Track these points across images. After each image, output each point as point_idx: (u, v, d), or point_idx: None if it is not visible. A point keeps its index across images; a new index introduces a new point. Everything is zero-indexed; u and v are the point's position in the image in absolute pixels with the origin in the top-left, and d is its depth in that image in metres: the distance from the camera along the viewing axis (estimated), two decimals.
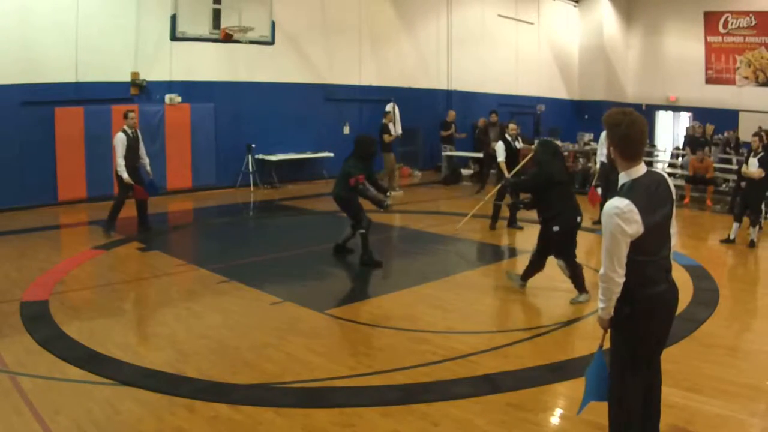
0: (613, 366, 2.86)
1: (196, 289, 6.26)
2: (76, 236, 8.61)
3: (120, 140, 8.19)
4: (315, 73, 14.02)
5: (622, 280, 2.63)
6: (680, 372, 4.03)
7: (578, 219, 5.77)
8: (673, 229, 2.78)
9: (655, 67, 19.95)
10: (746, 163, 8.56)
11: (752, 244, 8.24)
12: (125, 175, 8.20)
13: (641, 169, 2.66)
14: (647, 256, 2.64)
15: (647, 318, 2.71)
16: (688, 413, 3.59)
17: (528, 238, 8.96)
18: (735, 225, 8.47)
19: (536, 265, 6.04)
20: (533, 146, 8.48)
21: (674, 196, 2.77)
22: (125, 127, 8.31)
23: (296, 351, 4.60)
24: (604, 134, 9.52)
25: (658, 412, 2.97)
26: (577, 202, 5.86)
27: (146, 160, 8.64)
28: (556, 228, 5.70)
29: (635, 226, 2.53)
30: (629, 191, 2.59)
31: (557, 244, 5.79)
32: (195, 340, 4.79)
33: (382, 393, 3.90)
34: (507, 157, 8.98)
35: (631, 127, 2.61)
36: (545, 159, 5.81)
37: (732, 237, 8.42)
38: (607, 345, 2.91)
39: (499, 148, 9.09)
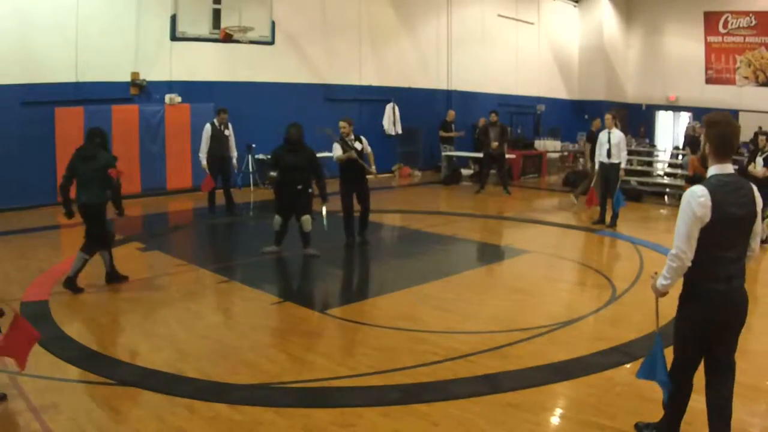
0: (673, 343, 3.14)
1: (196, 289, 6.26)
2: (76, 236, 8.55)
3: (205, 130, 9.72)
4: (315, 73, 14.02)
5: (689, 263, 2.87)
6: None
7: None
8: (754, 243, 3.04)
9: (655, 67, 19.95)
10: (753, 162, 8.53)
11: None
12: (203, 162, 9.65)
13: (727, 168, 2.94)
14: (713, 251, 2.87)
15: (698, 310, 2.96)
16: (688, 413, 3.58)
17: (527, 238, 8.97)
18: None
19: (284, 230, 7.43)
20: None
21: (758, 209, 2.96)
22: (214, 120, 9.82)
23: (296, 351, 4.61)
24: (602, 134, 9.55)
25: (726, 417, 3.05)
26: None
27: (234, 154, 10.09)
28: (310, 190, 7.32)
29: (704, 211, 2.80)
30: (709, 182, 2.89)
31: (309, 205, 7.33)
32: (195, 340, 4.79)
33: (382, 393, 3.90)
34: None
35: (727, 128, 2.93)
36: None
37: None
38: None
39: (335, 149, 7.92)
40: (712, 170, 2.95)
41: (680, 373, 3.12)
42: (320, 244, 7.94)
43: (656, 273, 3.11)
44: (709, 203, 2.81)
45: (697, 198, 2.83)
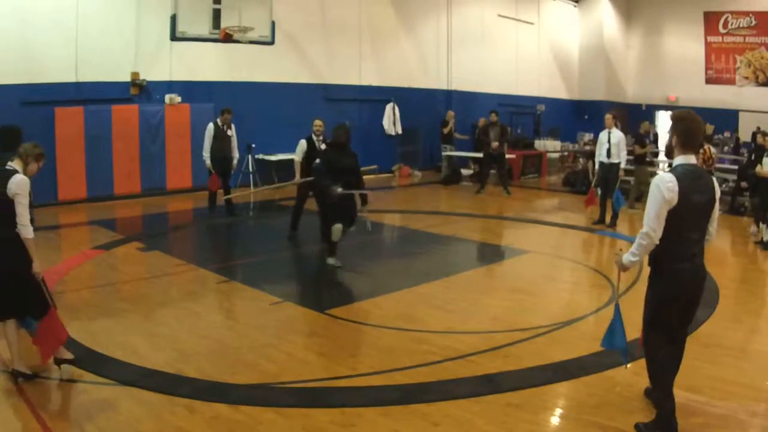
0: (643, 323, 3.47)
1: (196, 289, 6.26)
2: (76, 236, 8.60)
3: (207, 130, 9.66)
4: (315, 73, 14.01)
5: (657, 240, 3.18)
6: (680, 372, 4.01)
7: None
8: (712, 228, 3.37)
9: (655, 67, 19.94)
10: (759, 162, 8.51)
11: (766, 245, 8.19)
12: (207, 162, 9.61)
13: (692, 159, 3.27)
14: (678, 233, 3.19)
15: (668, 287, 3.29)
16: (688, 413, 3.59)
17: (527, 238, 8.97)
18: (765, 226, 8.36)
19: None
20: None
21: (717, 196, 3.31)
22: (217, 120, 9.79)
23: (296, 351, 4.61)
24: (602, 134, 9.56)
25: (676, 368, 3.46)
26: None
27: (236, 155, 9.94)
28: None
29: (672, 195, 3.12)
30: (675, 170, 3.22)
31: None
32: (195, 340, 4.79)
33: (382, 393, 3.90)
34: (307, 159, 7.85)
35: (693, 123, 3.27)
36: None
37: (766, 239, 8.27)
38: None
39: (300, 146, 8.06)
40: (678, 160, 3.28)
41: (654, 349, 3.39)
42: (317, 245, 7.96)
43: (621, 250, 3.46)
44: (677, 188, 3.12)
45: (666, 183, 3.14)
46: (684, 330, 3.51)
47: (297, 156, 8.08)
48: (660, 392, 3.37)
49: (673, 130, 3.31)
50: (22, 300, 3.91)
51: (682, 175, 3.18)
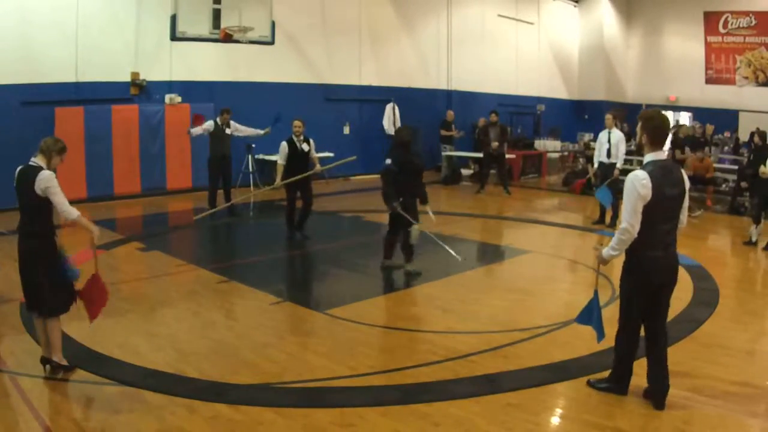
0: (619, 307, 3.76)
1: (196, 289, 6.25)
2: (76, 236, 8.57)
3: (207, 123, 9.88)
4: (315, 73, 14.01)
5: (636, 234, 3.42)
6: (680, 372, 4.03)
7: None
8: (683, 216, 3.59)
9: (655, 67, 19.93)
10: (763, 163, 8.49)
11: None
12: (195, 133, 9.83)
13: (662, 155, 3.53)
14: (652, 224, 3.41)
15: (643, 274, 3.54)
16: (688, 413, 3.59)
17: (527, 238, 8.97)
18: (756, 227, 8.33)
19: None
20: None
21: (687, 188, 3.54)
22: (217, 119, 9.95)
23: (296, 351, 4.61)
24: (602, 134, 9.56)
25: (661, 373, 3.66)
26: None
27: (259, 131, 10.24)
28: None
29: (646, 191, 3.36)
30: (647, 167, 3.46)
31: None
32: (195, 340, 4.79)
33: (382, 393, 3.90)
34: (290, 160, 8.03)
35: (663, 122, 3.56)
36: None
37: (754, 239, 8.26)
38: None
39: (282, 149, 8.07)
40: (649, 157, 3.51)
41: (627, 332, 3.71)
42: (317, 245, 7.97)
43: (601, 245, 3.78)
44: (650, 185, 3.36)
45: (639, 180, 3.38)
46: (662, 324, 3.65)
47: (280, 159, 8.11)
48: (622, 371, 3.77)
49: (643, 129, 3.54)
50: (50, 291, 3.98)
51: (655, 171, 3.41)
